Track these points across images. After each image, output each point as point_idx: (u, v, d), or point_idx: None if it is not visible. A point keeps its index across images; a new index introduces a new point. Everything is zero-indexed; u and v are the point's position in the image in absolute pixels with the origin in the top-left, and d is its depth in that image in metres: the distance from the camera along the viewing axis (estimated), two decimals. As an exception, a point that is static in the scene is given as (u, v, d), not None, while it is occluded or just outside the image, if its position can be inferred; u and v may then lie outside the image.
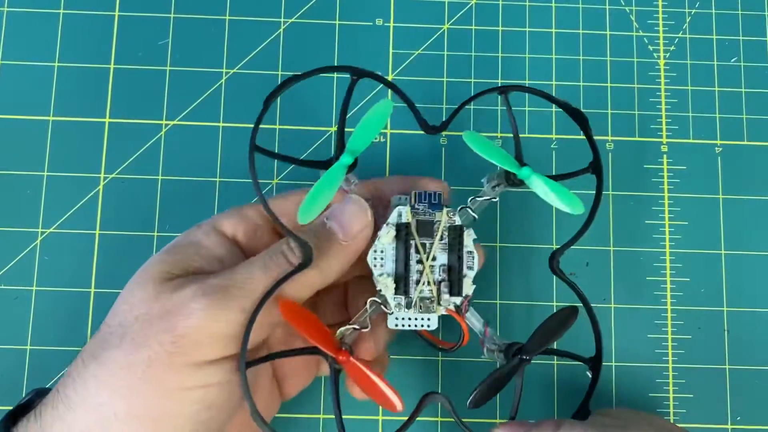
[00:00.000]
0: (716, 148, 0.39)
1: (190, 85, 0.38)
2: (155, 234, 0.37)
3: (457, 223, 0.30)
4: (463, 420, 0.29)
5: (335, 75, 0.38)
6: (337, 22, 0.39)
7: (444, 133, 0.38)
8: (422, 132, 0.30)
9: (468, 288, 0.30)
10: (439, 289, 0.29)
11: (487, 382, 0.28)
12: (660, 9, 0.40)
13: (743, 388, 0.36)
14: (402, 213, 0.29)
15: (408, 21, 0.39)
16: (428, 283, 0.29)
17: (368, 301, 0.29)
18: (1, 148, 0.37)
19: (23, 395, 0.30)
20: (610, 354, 0.36)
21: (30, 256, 0.36)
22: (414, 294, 0.29)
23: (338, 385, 0.28)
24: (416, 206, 0.30)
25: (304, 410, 0.35)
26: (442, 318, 0.30)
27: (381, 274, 0.29)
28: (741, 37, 0.40)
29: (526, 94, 0.38)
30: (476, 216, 0.31)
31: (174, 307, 0.26)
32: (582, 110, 0.32)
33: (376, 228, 0.29)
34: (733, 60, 0.39)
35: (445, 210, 0.30)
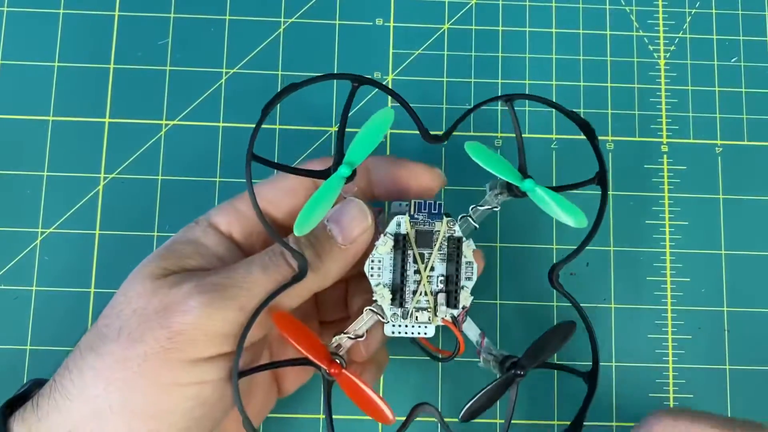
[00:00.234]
0: (716, 148, 0.39)
1: (190, 85, 0.38)
2: (155, 234, 0.37)
3: (457, 234, 0.29)
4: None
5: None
6: (337, 21, 0.39)
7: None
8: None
9: (466, 299, 0.29)
10: (436, 300, 0.29)
11: (479, 397, 0.28)
12: (660, 9, 0.40)
13: (743, 388, 0.36)
14: (401, 223, 0.29)
15: (408, 21, 0.39)
16: (425, 293, 0.29)
17: (364, 310, 0.29)
18: (1, 148, 0.37)
19: (22, 393, 0.30)
20: (610, 354, 0.36)
21: (30, 256, 0.36)
22: (410, 304, 0.29)
23: (330, 396, 0.28)
24: (415, 216, 0.29)
25: (303, 410, 0.35)
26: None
27: (378, 285, 0.28)
28: (741, 37, 0.40)
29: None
30: (477, 225, 0.30)
31: (171, 303, 0.26)
32: (590, 122, 0.30)
33: (376, 230, 0.29)
34: (733, 60, 0.39)
35: (445, 220, 0.29)
